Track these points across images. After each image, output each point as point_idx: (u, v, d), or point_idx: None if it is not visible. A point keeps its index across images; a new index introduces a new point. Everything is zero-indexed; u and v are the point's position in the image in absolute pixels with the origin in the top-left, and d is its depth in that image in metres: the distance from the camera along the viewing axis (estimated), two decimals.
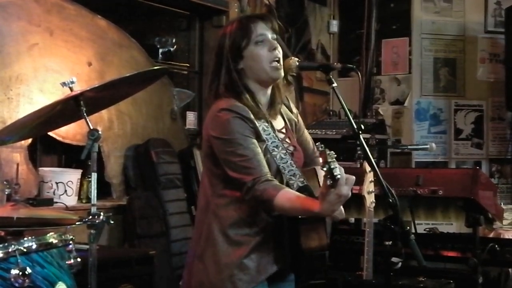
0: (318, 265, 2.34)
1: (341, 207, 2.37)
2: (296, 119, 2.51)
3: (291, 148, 2.38)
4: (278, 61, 2.30)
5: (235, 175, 2.20)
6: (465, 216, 3.75)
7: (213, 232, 2.28)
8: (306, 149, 2.51)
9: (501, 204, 4.53)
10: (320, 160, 1.93)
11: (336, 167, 1.90)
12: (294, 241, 2.24)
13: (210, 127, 2.27)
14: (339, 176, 1.90)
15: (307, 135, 2.56)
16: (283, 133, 2.40)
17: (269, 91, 2.37)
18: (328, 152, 1.91)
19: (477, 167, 5.51)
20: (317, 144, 1.98)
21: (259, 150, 2.23)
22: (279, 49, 2.32)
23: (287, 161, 2.30)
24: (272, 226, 2.28)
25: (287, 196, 2.15)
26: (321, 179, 2.07)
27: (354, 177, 1.98)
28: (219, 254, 2.26)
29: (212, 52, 2.43)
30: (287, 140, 2.40)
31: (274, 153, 2.29)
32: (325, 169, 1.91)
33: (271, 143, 2.29)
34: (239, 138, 2.21)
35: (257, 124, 2.27)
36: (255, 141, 2.24)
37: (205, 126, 2.33)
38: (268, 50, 2.29)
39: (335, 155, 1.92)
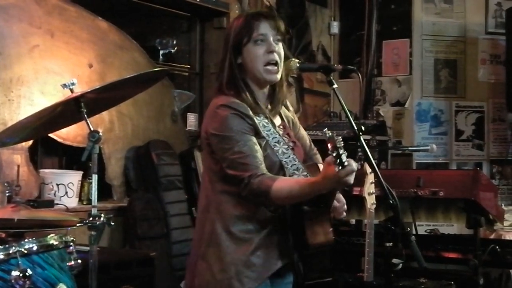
0: (325, 261, 2.33)
1: (345, 206, 2.39)
2: (292, 117, 2.53)
3: (291, 144, 2.39)
4: (275, 64, 2.29)
5: (232, 172, 2.20)
6: (466, 217, 3.74)
7: (216, 230, 2.27)
8: (303, 146, 2.52)
9: (501, 205, 4.54)
10: (329, 145, 1.94)
11: (344, 153, 1.93)
12: (300, 237, 2.23)
13: (209, 124, 2.28)
14: (346, 163, 1.93)
15: (303, 132, 2.57)
16: (281, 129, 2.41)
17: (266, 90, 2.37)
18: (336, 138, 1.93)
19: (478, 169, 5.50)
20: (324, 130, 1.99)
21: (257, 147, 2.23)
22: (280, 51, 2.31)
23: (289, 156, 2.31)
24: (275, 221, 2.28)
25: (284, 182, 2.16)
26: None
27: (355, 168, 2.01)
28: (223, 251, 2.25)
29: (216, 51, 2.45)
30: (286, 136, 2.40)
31: (276, 148, 2.29)
32: (334, 154, 1.93)
33: (272, 138, 2.30)
34: (236, 135, 2.21)
35: (257, 121, 2.28)
36: (253, 138, 2.24)
37: (204, 123, 2.33)
38: (265, 51, 2.28)
39: (342, 142, 1.94)
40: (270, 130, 2.31)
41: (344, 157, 1.93)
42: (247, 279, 2.24)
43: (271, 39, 2.30)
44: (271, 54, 2.28)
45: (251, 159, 2.19)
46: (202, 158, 2.45)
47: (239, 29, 2.30)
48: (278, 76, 2.32)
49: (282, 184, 2.14)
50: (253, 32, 2.28)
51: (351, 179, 2.00)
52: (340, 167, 1.93)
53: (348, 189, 2.44)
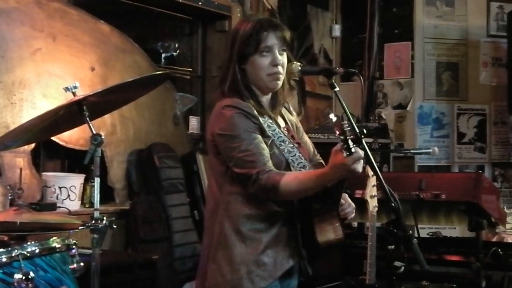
0: (335, 262, 2.32)
1: (352, 206, 2.39)
2: (295, 121, 2.54)
3: (296, 144, 2.40)
4: (278, 74, 2.31)
5: (240, 170, 2.21)
6: (468, 220, 3.74)
7: (226, 232, 2.27)
8: (307, 151, 2.52)
9: (504, 208, 4.52)
10: (336, 130, 1.94)
11: (351, 137, 1.94)
12: (309, 236, 2.22)
13: (214, 125, 2.29)
14: (354, 150, 1.94)
15: (306, 138, 2.58)
16: (286, 131, 2.42)
17: (269, 96, 2.41)
18: (343, 122, 1.93)
19: (480, 171, 5.51)
20: (330, 115, 2.00)
21: (263, 144, 2.25)
22: (284, 60, 2.32)
23: (295, 154, 2.33)
24: (284, 219, 2.28)
25: (292, 176, 2.18)
26: None
27: (362, 155, 2.02)
28: (233, 252, 2.25)
29: (218, 54, 2.44)
30: (291, 137, 2.42)
31: (281, 147, 2.31)
32: (342, 137, 1.93)
33: (277, 138, 2.32)
34: (242, 133, 2.23)
35: (262, 121, 2.30)
36: (259, 136, 2.26)
37: (209, 125, 2.35)
38: (269, 63, 2.30)
39: (349, 127, 1.94)
40: (275, 130, 2.33)
41: (351, 143, 1.93)
42: (258, 278, 2.23)
43: (277, 50, 2.31)
44: (275, 67, 2.30)
45: (258, 156, 2.20)
46: (208, 162, 2.44)
47: (245, 38, 2.30)
48: (280, 83, 2.35)
49: (290, 178, 2.16)
50: (260, 44, 2.29)
51: (359, 167, 2.01)
52: (348, 153, 1.93)
53: (349, 191, 2.44)
